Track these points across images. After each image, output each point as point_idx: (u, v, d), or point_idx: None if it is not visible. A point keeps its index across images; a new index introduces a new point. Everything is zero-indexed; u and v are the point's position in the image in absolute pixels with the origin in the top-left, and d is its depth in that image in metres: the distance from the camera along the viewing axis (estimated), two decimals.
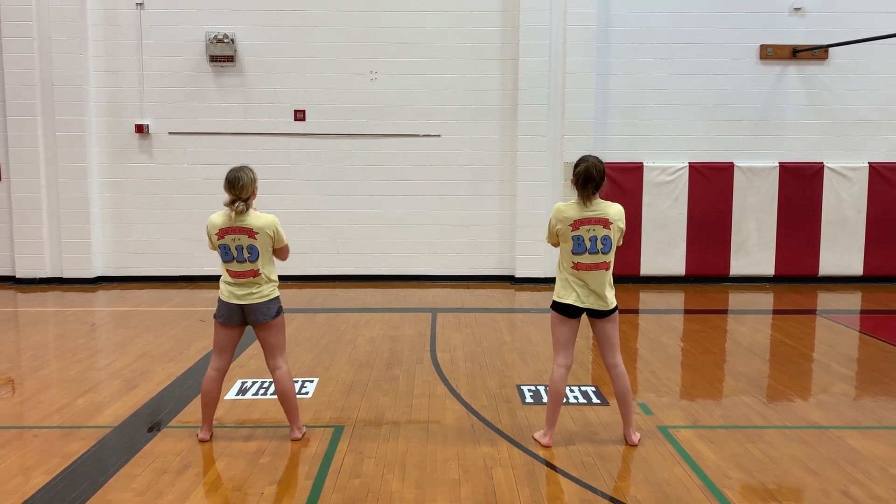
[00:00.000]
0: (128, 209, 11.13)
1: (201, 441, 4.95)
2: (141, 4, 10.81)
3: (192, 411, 5.54)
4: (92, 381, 6.29)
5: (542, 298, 9.96)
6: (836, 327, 8.46)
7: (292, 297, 10.13)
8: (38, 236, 10.91)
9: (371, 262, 11.29)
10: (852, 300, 10.18)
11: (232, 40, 10.82)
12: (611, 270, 4.76)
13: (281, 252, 4.97)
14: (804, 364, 6.95)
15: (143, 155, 11.07)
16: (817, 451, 4.81)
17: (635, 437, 4.93)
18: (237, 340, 4.99)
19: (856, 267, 11.16)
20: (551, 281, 10.82)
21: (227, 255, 4.82)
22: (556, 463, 4.62)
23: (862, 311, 9.60)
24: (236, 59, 10.94)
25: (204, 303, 9.71)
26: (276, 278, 4.96)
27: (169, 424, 5.29)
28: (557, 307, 4.79)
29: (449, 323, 8.50)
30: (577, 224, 4.65)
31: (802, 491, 4.26)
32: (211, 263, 11.13)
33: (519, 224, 11.04)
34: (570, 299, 4.72)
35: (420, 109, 11.09)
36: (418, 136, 11.13)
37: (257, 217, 4.82)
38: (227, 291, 4.85)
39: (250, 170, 4.86)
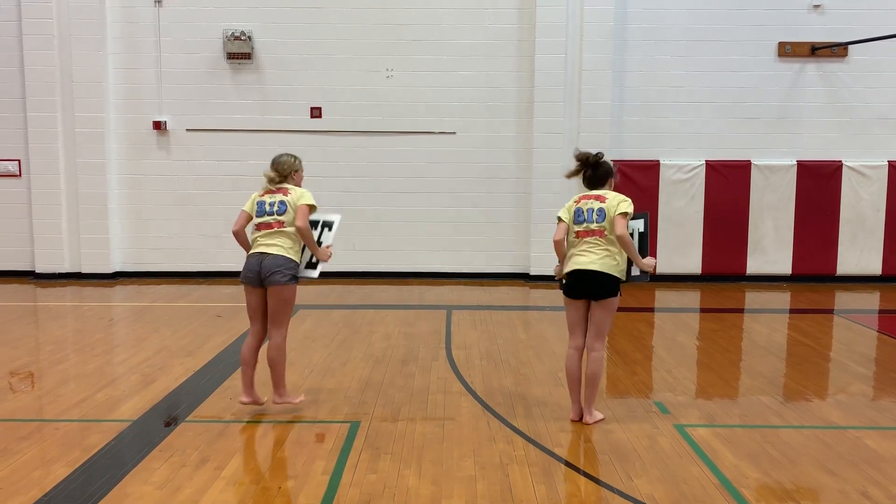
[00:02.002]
0: (146, 205, 11.22)
1: (242, 403, 5.34)
2: (159, 2, 10.89)
3: (210, 406, 5.58)
4: (111, 376, 6.35)
5: (557, 296, 9.85)
6: (855, 327, 8.40)
7: (307, 294, 10.18)
8: (58, 232, 11.02)
9: (386, 259, 11.31)
10: (871, 300, 10.10)
11: (249, 38, 10.88)
12: (609, 238, 5.06)
13: (299, 215, 5.21)
14: (822, 364, 6.90)
15: (161, 151, 11.16)
16: (835, 451, 4.78)
17: (591, 418, 5.24)
18: (265, 305, 5.28)
19: (874, 266, 11.07)
20: None
21: (260, 209, 5.30)
22: (572, 461, 4.62)
23: (880, 311, 9.53)
24: (253, 57, 10.99)
25: (222, 298, 9.78)
26: (298, 251, 5.28)
27: (187, 419, 5.33)
28: (563, 286, 5.25)
29: (464, 320, 8.51)
30: (579, 199, 5.25)
31: (820, 491, 4.24)
32: (228, 259, 11.21)
33: (534, 222, 11.02)
34: (571, 267, 5.14)
35: (435, 107, 11.10)
36: (434, 133, 11.15)
37: (294, 188, 5.36)
38: (253, 245, 5.30)
39: (293, 156, 5.51)
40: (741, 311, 9.46)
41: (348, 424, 5.21)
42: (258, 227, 5.29)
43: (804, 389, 6.11)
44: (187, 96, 11.06)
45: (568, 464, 4.58)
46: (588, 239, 5.10)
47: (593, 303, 5.14)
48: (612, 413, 5.44)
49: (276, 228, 5.22)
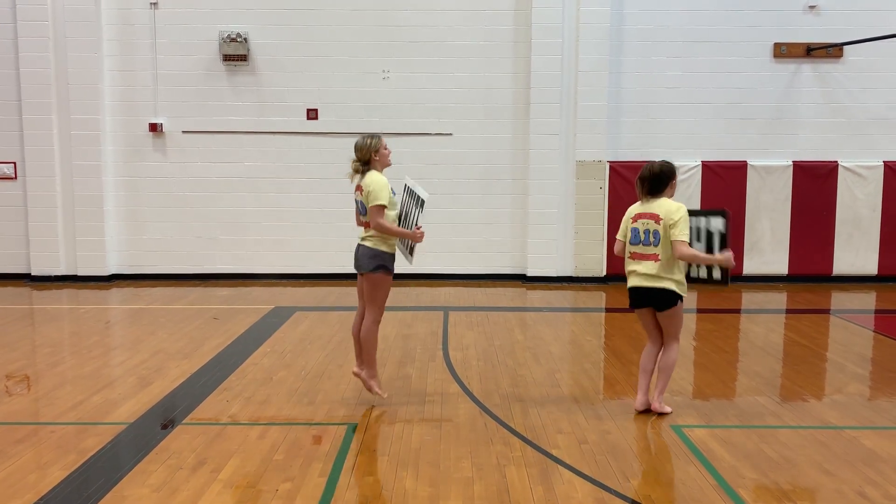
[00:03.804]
0: (142, 207, 11.20)
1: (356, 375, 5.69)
2: (155, 4, 10.87)
3: (207, 408, 5.57)
4: (107, 378, 6.34)
5: (553, 297, 9.95)
6: (851, 327, 8.41)
7: (305, 296, 10.19)
8: (53, 234, 10.99)
9: None
10: (867, 300, 10.11)
11: (245, 39, 10.86)
12: (664, 262, 5.20)
13: (372, 215, 5.35)
14: (818, 364, 6.91)
15: (157, 154, 11.14)
16: (832, 451, 4.79)
17: (659, 407, 5.40)
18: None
19: (870, 266, 11.09)
20: (563, 280, 10.93)
21: (357, 205, 5.59)
22: (569, 461, 4.61)
23: (876, 311, 9.54)
24: (249, 59, 10.97)
25: (218, 300, 9.76)
26: (386, 238, 5.46)
27: (184, 421, 5.32)
28: (629, 299, 5.44)
29: (461, 321, 8.50)
30: (636, 217, 5.33)
31: (817, 491, 4.24)
32: (224, 262, 11.22)
33: (531, 223, 11.03)
34: (629, 284, 5.38)
35: (432, 108, 11.09)
36: (430, 134, 11.14)
37: (368, 176, 5.47)
38: None
39: (371, 136, 5.56)
40: (738, 311, 9.47)
41: (345, 426, 5.20)
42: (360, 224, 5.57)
43: (801, 390, 6.11)
44: (183, 98, 11.05)
45: (565, 465, 4.57)
46: (642, 261, 5.25)
47: (657, 313, 5.32)
48: (609, 413, 5.45)
49: (364, 229, 5.56)
